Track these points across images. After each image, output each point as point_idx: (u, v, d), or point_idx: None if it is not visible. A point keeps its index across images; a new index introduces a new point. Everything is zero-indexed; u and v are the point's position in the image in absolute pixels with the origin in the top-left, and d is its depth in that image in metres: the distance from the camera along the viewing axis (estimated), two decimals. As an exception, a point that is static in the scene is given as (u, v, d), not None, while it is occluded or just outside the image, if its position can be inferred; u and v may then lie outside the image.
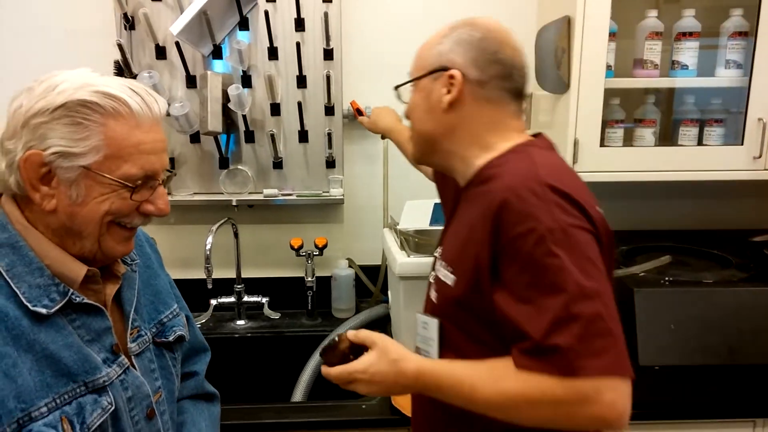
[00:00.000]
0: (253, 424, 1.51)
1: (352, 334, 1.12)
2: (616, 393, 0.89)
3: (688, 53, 1.84)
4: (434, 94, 1.11)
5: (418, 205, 1.93)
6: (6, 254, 0.91)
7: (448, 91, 1.10)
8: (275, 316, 2.03)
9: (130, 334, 1.04)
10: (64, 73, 0.91)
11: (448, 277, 1.08)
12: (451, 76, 1.09)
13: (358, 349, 1.09)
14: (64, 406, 0.89)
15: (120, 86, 0.91)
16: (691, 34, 1.82)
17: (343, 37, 2.00)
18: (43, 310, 0.90)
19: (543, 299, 0.91)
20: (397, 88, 1.22)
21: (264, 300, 2.06)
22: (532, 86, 2.09)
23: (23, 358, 0.86)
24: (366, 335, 1.09)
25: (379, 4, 2.04)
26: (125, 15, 1.90)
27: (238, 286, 2.03)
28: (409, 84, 1.18)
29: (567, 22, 1.76)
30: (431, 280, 1.21)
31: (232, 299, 2.04)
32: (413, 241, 1.78)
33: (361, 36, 2.05)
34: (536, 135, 1.17)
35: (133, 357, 1.03)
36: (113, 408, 0.94)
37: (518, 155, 1.08)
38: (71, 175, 0.89)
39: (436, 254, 1.23)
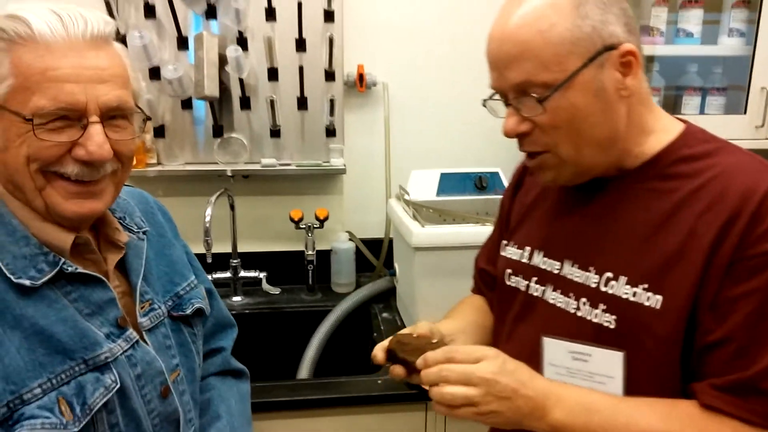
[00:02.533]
0: (268, 402, 1.43)
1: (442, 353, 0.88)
2: None
3: (693, 21, 1.84)
4: (608, 84, 0.84)
5: (424, 175, 1.88)
6: None
7: (625, 73, 0.85)
8: (275, 291, 1.94)
9: (141, 307, 0.95)
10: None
11: (640, 296, 0.85)
12: (627, 53, 0.83)
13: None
14: (62, 387, 0.80)
15: (37, 8, 0.79)
16: (696, 1, 1.81)
17: (344, -2, 1.91)
18: (27, 282, 0.80)
19: None
20: (542, 101, 0.84)
21: (261, 275, 1.97)
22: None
23: (9, 336, 0.78)
24: (471, 350, 0.88)
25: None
26: (111, -30, 1.77)
27: (234, 261, 1.94)
28: (553, 91, 0.84)
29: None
30: (551, 293, 0.97)
31: (227, 274, 1.94)
32: (425, 212, 1.73)
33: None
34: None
35: (144, 333, 0.94)
36: (118, 386, 0.85)
37: (718, 145, 0.89)
38: None
39: (540, 255, 1.00)
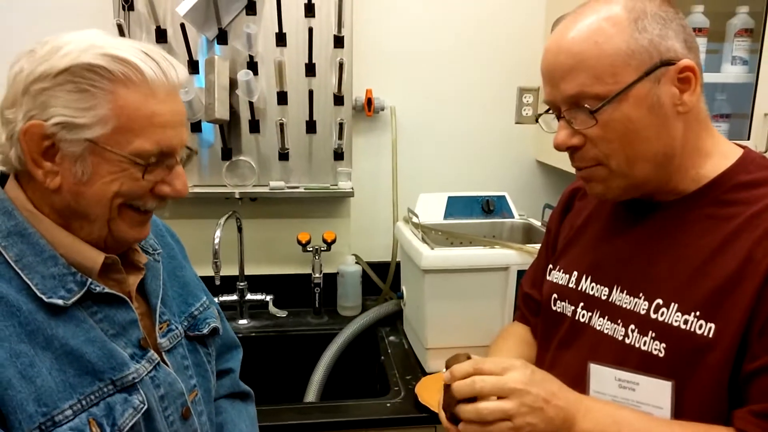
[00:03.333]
0: (277, 425, 1.42)
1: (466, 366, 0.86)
2: None
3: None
4: (664, 101, 0.83)
5: (432, 198, 1.89)
6: (14, 243, 0.80)
7: (683, 89, 0.83)
8: (282, 314, 1.93)
9: (159, 328, 0.95)
10: (70, 34, 0.81)
11: (692, 324, 0.83)
12: (685, 68, 0.82)
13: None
14: (91, 408, 0.79)
15: (132, 49, 0.81)
16: (700, 30, 1.84)
17: (353, 24, 1.93)
18: (60, 302, 0.80)
19: None
20: (594, 113, 0.84)
21: (268, 298, 1.96)
22: (539, 80, 2.09)
23: (41, 357, 0.77)
24: (497, 360, 0.86)
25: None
26: (124, -5, 1.79)
27: (241, 284, 1.94)
28: (605, 103, 0.83)
29: (584, 15, 1.75)
30: (598, 320, 0.96)
31: (234, 297, 1.94)
32: (434, 234, 1.74)
33: (373, 24, 1.99)
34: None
35: (163, 353, 0.94)
36: (146, 407, 0.85)
37: None
38: (76, 149, 0.79)
39: (588, 281, 0.99)
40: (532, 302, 1.18)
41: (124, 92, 0.79)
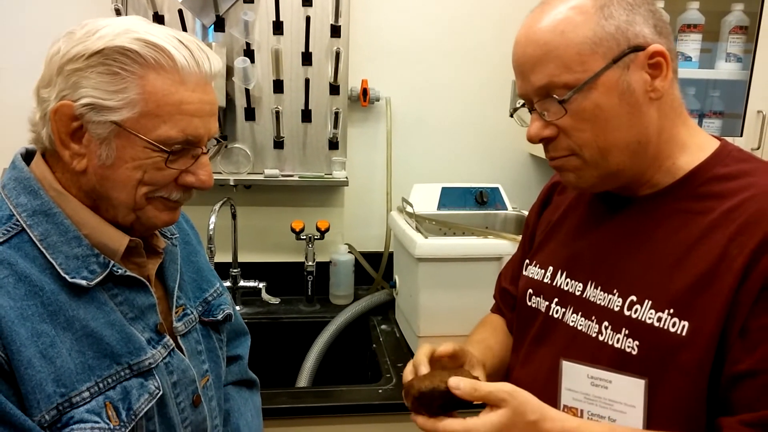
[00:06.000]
0: (269, 408, 1.42)
1: (467, 386, 0.81)
2: None
3: (691, 45, 1.88)
4: (635, 87, 0.81)
5: (426, 188, 1.90)
6: (40, 222, 0.81)
7: (654, 75, 0.82)
8: (274, 301, 1.94)
9: (176, 312, 0.95)
10: (110, 18, 0.82)
11: (665, 321, 0.81)
12: (655, 53, 0.81)
13: (456, 402, 0.83)
14: (108, 391, 0.80)
15: (167, 36, 0.81)
16: (695, 26, 1.86)
17: (350, 15, 1.93)
18: (83, 282, 0.80)
19: None
20: (563, 102, 0.82)
21: (261, 285, 1.97)
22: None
23: (62, 337, 0.77)
24: (493, 391, 0.79)
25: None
26: (122, -20, 1.79)
27: (234, 270, 1.94)
28: (574, 91, 0.81)
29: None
30: (572, 316, 0.94)
31: (227, 284, 1.94)
32: (428, 224, 1.75)
33: (370, 15, 1.99)
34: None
35: (179, 337, 0.94)
36: (161, 392, 0.85)
37: (756, 164, 0.85)
38: (102, 131, 0.79)
39: (563, 276, 0.98)
40: (509, 297, 1.18)
41: (153, 77, 0.79)
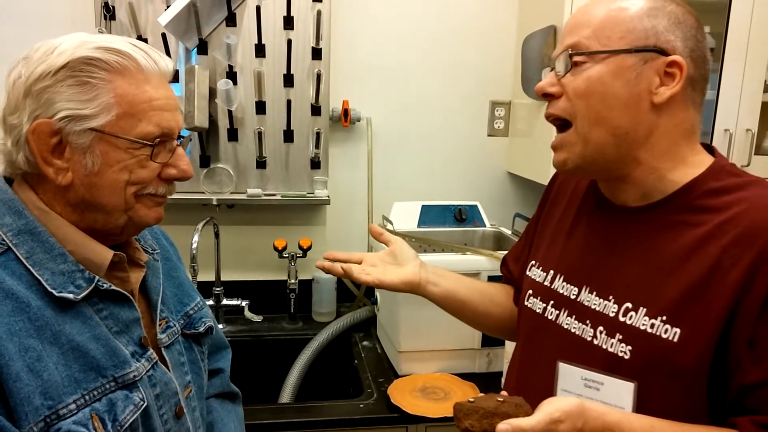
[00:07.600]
0: (252, 425, 1.45)
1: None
2: None
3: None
4: (642, 82, 0.86)
5: (406, 206, 1.94)
6: (25, 241, 0.83)
7: (663, 82, 0.86)
8: (257, 319, 1.96)
9: (159, 324, 0.98)
10: (59, 37, 0.85)
11: (658, 328, 0.85)
12: (673, 64, 0.85)
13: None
14: (94, 403, 0.82)
15: (122, 41, 0.85)
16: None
17: (331, 37, 1.98)
18: (71, 296, 0.82)
19: None
20: (573, 56, 0.88)
21: (244, 303, 1.99)
22: (510, 94, 2.16)
23: (48, 352, 0.79)
24: (541, 421, 0.78)
25: (369, 4, 2.05)
26: (106, 4, 1.83)
27: (217, 289, 1.96)
28: (592, 55, 0.87)
29: (553, 32, 1.83)
30: (566, 318, 0.98)
31: (210, 302, 1.96)
32: (408, 241, 1.78)
33: (350, 37, 2.05)
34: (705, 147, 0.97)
35: (162, 349, 0.96)
36: (146, 404, 0.87)
37: (749, 179, 0.89)
38: (84, 140, 0.82)
39: (560, 280, 1.02)
40: (506, 272, 1.27)
41: (121, 80, 0.83)
